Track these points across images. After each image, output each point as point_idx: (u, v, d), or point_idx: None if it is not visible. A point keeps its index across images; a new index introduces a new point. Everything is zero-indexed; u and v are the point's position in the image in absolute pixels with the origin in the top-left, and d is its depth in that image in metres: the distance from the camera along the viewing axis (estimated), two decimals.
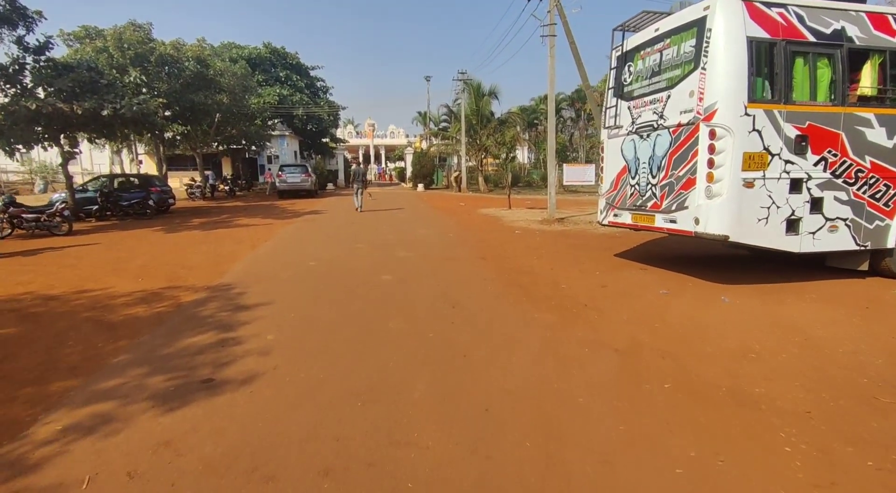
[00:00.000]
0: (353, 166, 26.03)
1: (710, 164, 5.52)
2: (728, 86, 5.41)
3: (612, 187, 7.44)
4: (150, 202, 16.41)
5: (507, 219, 14.62)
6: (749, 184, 5.49)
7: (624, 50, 7.10)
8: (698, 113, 5.64)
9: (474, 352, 3.98)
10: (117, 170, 35.98)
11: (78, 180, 19.22)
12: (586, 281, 6.60)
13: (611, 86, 7.43)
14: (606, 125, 7.49)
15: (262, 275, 6.96)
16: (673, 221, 6.16)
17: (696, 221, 5.73)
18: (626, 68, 7.10)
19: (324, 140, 40.97)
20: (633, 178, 6.95)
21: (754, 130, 5.45)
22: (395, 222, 13.91)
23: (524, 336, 4.38)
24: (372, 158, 66.51)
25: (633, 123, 6.91)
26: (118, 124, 15.06)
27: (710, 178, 5.55)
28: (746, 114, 5.40)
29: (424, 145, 45.14)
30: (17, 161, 14.91)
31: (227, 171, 35.02)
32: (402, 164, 57.55)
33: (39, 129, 14.57)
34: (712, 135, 5.49)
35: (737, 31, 5.39)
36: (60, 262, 8.44)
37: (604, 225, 7.92)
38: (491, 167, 38.43)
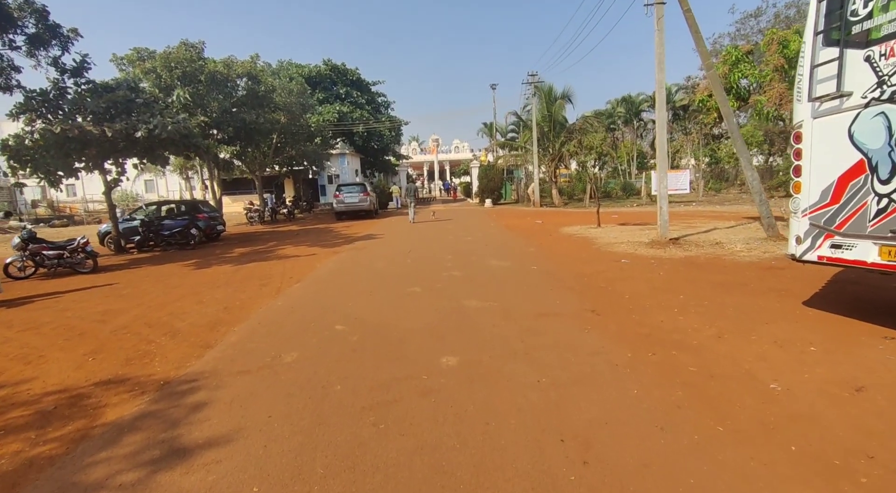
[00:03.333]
0: (406, 184, 25.33)
1: None
2: None
3: (830, 200, 4.36)
4: (194, 231, 14.94)
5: (601, 241, 11.57)
6: None
7: None
8: None
9: None
10: (187, 196, 36.43)
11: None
12: (809, 370, 3.60)
13: (819, 30, 4.40)
14: (815, 95, 4.44)
15: (258, 355, 4.53)
16: None
17: None
18: None
19: (386, 157, 39.54)
20: (883, 181, 3.88)
21: None
22: (462, 250, 11.30)
23: None
24: (436, 174, 65.00)
25: (880, 84, 3.87)
26: (157, 146, 13.71)
27: None
28: None
29: (491, 158, 42.59)
30: (59, 191, 13.91)
31: (289, 192, 34.32)
32: (467, 178, 55.42)
33: (83, 155, 13.55)
34: None
35: None
36: (36, 318, 6.56)
37: (803, 261, 4.79)
38: (563, 179, 35.13)
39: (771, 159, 36.83)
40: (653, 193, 25.87)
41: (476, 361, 4.11)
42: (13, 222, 30.48)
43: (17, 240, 10.64)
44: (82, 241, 10.82)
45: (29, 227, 11.86)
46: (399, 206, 33.99)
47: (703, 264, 8.25)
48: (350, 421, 3.12)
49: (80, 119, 13.16)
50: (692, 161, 44.72)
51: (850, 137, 4.11)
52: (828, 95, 4.30)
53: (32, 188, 46.27)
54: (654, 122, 42.95)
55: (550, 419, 3.06)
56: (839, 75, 4.15)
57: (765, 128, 25.37)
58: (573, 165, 38.80)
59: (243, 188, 34.91)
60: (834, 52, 4.21)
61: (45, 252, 10.59)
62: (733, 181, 37.13)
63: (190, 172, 34.59)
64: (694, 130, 39.41)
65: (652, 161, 43.33)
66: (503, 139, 39.10)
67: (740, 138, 10.35)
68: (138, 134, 12.48)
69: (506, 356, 4.18)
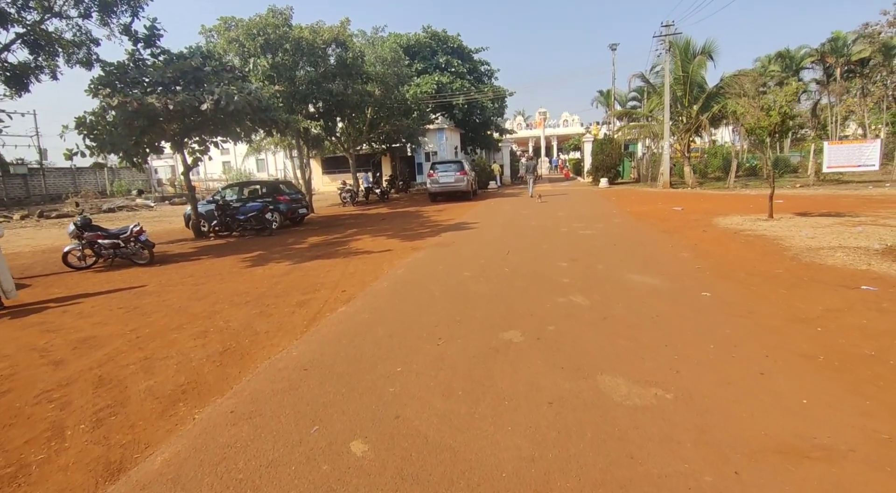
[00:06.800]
0: (523, 160, 23.06)
1: None
2: None
3: None
4: (269, 216, 13.47)
5: (793, 243, 7.82)
6: None
7: None
8: None
9: None
10: (289, 176, 36.65)
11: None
12: None
13: None
14: None
15: None
16: None
17: None
18: None
19: (488, 132, 36.52)
20: None
21: None
22: (582, 252, 8.27)
23: None
24: (543, 151, 60.55)
25: None
26: (230, 120, 12.22)
27: None
28: None
29: (605, 131, 37.68)
30: (126, 166, 12.99)
31: (386, 171, 32.90)
32: (577, 154, 50.59)
33: (161, 131, 12.56)
34: None
35: None
36: None
37: None
38: (694, 154, 29.53)
39: None
40: (825, 170, 20.14)
41: None
42: (139, 201, 32.62)
43: (72, 227, 9.61)
44: (135, 229, 9.53)
45: (85, 213, 11.03)
46: (499, 185, 31.05)
47: None
48: None
49: (137, 91, 12.05)
50: (859, 131, 36.13)
51: None
52: None
53: (164, 168, 50.36)
54: (816, 81, 34.92)
55: None
56: None
57: None
58: (709, 137, 32.75)
59: (344, 167, 34.17)
60: None
61: (100, 241, 9.46)
62: None
63: (294, 151, 34.59)
64: (876, 90, 31.16)
65: (800, 133, 35.36)
66: (622, 109, 34.12)
67: None
68: (203, 106, 10.97)
69: None
